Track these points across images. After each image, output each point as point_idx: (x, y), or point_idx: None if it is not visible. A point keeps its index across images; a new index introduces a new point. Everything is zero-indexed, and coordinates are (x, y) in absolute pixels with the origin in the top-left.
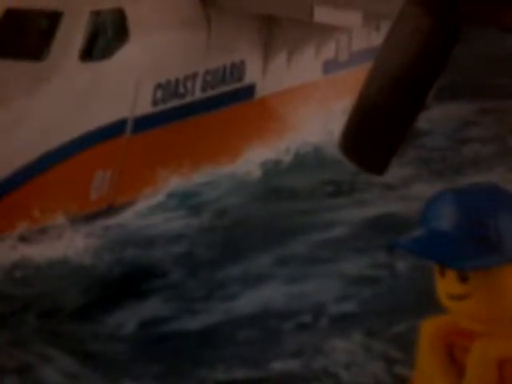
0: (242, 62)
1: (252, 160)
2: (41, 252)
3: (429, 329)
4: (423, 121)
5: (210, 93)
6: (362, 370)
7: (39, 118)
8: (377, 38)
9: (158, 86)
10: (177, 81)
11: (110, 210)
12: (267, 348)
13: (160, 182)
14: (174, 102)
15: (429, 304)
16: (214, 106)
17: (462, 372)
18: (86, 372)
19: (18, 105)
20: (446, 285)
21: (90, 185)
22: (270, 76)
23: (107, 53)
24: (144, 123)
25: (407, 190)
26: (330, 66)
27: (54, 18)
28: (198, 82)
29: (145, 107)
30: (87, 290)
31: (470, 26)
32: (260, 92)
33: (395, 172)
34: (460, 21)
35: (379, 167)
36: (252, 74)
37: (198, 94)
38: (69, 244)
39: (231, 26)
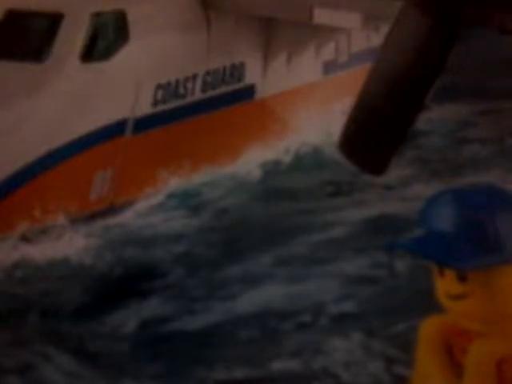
0: (242, 63)
1: (252, 160)
2: (41, 252)
3: (428, 328)
4: (422, 121)
5: (210, 93)
6: (361, 369)
7: (40, 119)
8: (376, 39)
9: (159, 86)
10: (177, 81)
11: (111, 209)
12: (267, 348)
13: (160, 182)
14: (174, 103)
15: (428, 304)
16: (213, 107)
17: (461, 371)
18: (86, 371)
19: (19, 106)
20: (444, 284)
21: (91, 185)
22: (270, 77)
23: (108, 54)
24: (144, 124)
25: (406, 190)
26: (329, 67)
27: (55, 20)
28: (198, 83)
29: (145, 108)
30: (87, 289)
31: (469, 27)
32: (260, 93)
33: (394, 172)
34: (458, 23)
35: (378, 168)
36: (252, 74)
37: (198, 95)
38: (69, 244)
39: (231, 27)
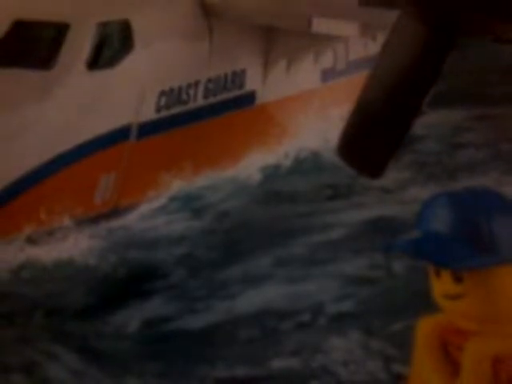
0: (243, 71)
1: (252, 164)
2: (47, 253)
3: (425, 327)
4: (419, 126)
5: (212, 100)
6: (359, 367)
7: (47, 125)
8: (373, 48)
9: (162, 93)
10: (180, 88)
11: (115, 212)
12: (267, 347)
13: (163, 185)
14: (177, 109)
15: (425, 304)
16: (215, 113)
17: (457, 369)
18: (90, 369)
19: (27, 111)
20: (441, 285)
21: (95, 188)
22: (270, 84)
23: (113, 62)
24: (148, 129)
25: (403, 193)
26: (328, 75)
27: (61, 30)
28: (201, 90)
29: (149, 114)
30: (92, 289)
31: (464, 36)
32: (260, 99)
33: (391, 176)
34: (454, 31)
35: (376, 171)
36: (252, 81)
37: (201, 101)
38: (74, 245)
39: (232, 35)
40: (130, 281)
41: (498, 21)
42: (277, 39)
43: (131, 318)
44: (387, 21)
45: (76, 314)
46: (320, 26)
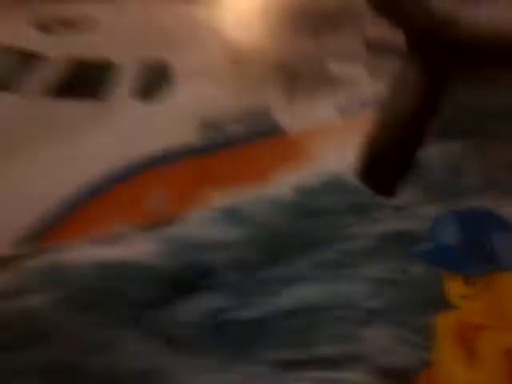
0: (269, 105)
1: (286, 183)
2: (117, 255)
3: (444, 322)
4: (424, 155)
5: (246, 128)
6: (390, 355)
7: (102, 148)
8: (380, 88)
9: (202, 122)
10: (217, 119)
11: (172, 221)
12: (308, 336)
13: (210, 199)
14: (217, 136)
15: (442, 303)
16: (249, 139)
17: (473, 360)
18: (158, 350)
19: (85, 136)
20: (455, 288)
21: (149, 201)
22: (294, 117)
23: (156, 94)
24: (192, 152)
25: (414, 210)
26: (342, 109)
27: (110, 66)
28: (235, 120)
29: (192, 139)
30: (159, 286)
31: (458, 78)
32: (286, 129)
33: (403, 196)
34: (449, 76)
35: (389, 192)
36: (279, 114)
37: (236, 130)
38: (141, 249)
39: (258, 75)
40: (193, 279)
41: (499, 71)
42: (298, 78)
43: (194, 310)
44: (392, 64)
45: (149, 305)
46: (333, 69)
